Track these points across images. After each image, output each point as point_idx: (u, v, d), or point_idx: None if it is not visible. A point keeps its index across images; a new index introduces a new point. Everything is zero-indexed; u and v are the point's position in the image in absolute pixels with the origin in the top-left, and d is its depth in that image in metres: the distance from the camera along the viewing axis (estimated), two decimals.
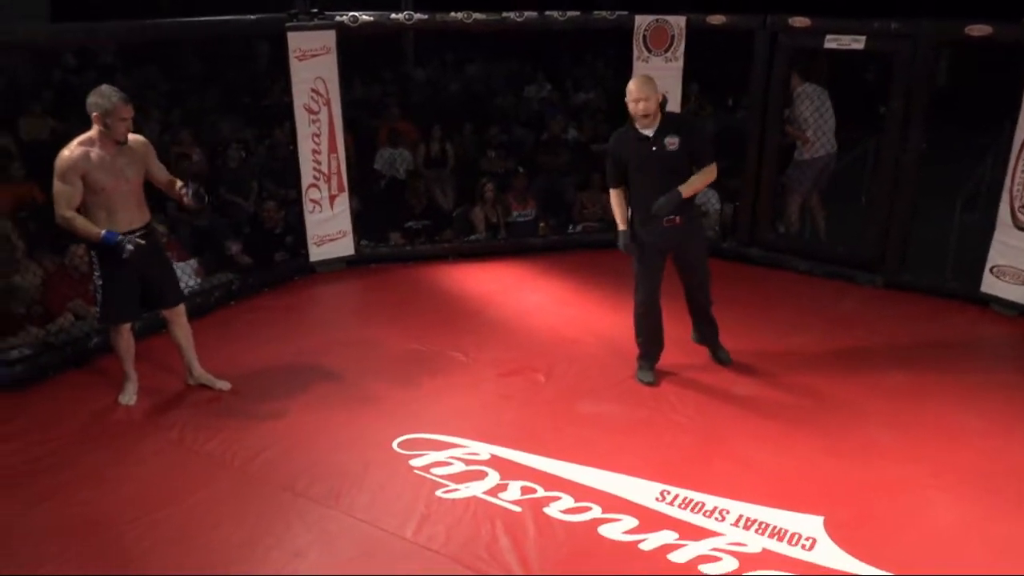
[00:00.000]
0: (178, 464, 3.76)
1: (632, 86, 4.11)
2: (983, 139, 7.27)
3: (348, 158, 6.10)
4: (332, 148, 5.90)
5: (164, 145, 6.54)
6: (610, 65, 10.05)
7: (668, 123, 4.15)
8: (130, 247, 3.76)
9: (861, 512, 3.41)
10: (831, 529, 3.29)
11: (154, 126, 7.09)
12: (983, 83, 5.64)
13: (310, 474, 3.64)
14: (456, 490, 3.54)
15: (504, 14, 6.14)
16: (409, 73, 10.88)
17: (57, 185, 3.76)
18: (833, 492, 3.54)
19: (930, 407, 4.24)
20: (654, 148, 4.13)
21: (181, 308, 4.28)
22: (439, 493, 3.52)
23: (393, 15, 6.09)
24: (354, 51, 6.49)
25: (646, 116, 4.10)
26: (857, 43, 5.61)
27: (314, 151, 5.86)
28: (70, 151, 3.76)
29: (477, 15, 6.08)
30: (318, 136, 5.84)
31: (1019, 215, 5.16)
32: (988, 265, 5.34)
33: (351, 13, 5.81)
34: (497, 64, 11.14)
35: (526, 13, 6.14)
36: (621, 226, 4.33)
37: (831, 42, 5.70)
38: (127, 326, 4.16)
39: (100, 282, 3.97)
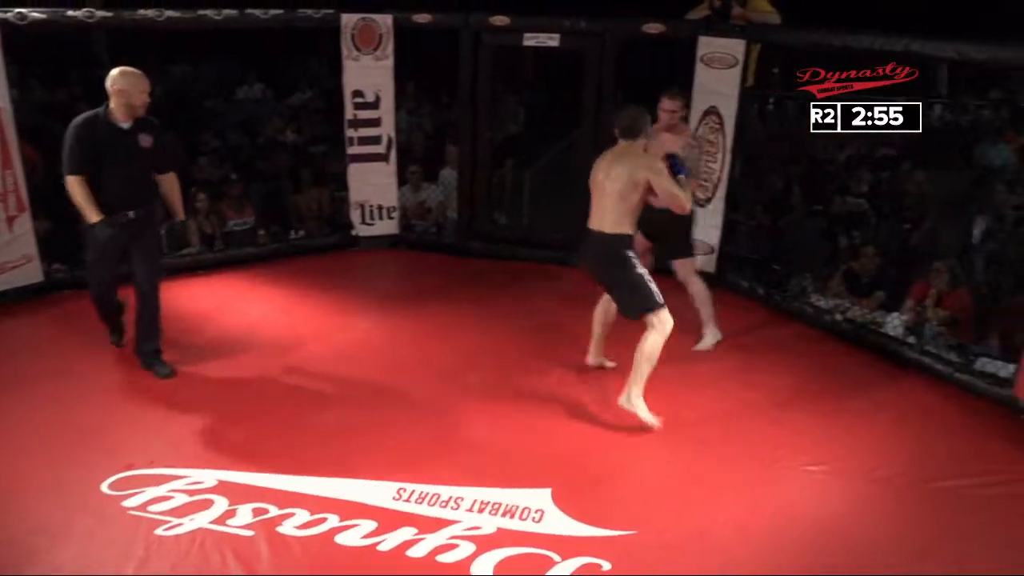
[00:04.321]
0: None
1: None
2: None
3: (32, 172, 5.45)
4: (6, 164, 5.23)
5: None
6: (324, 64, 9.87)
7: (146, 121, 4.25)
8: None
9: (584, 479, 3.67)
10: (558, 499, 3.49)
11: None
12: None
13: None
14: (179, 525, 3.30)
15: (200, 12, 5.80)
16: (103, 75, 9.92)
17: None
18: (558, 464, 3.77)
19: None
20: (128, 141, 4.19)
21: None
22: (159, 531, 3.26)
23: (71, 12, 5.49)
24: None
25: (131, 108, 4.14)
26: (553, 41, 6.00)
27: None
28: None
29: (170, 12, 5.68)
30: None
31: (697, 193, 5.78)
32: None
33: (18, 10, 5.17)
34: (205, 65, 10.51)
35: (224, 11, 5.85)
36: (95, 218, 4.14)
37: (530, 40, 6.04)
38: None
39: None
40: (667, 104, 4.70)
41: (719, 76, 5.59)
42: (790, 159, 6.63)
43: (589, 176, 4.14)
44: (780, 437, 4.02)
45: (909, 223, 5.86)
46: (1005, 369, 4.35)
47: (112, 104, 4.12)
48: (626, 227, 4.06)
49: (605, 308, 4.48)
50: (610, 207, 4.05)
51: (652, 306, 4.03)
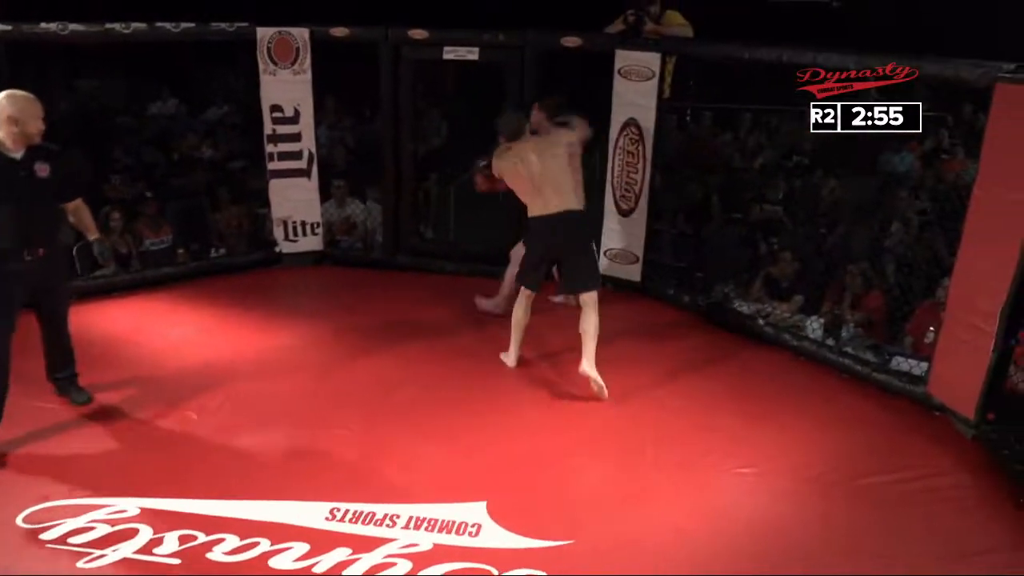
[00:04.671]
0: None
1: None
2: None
3: None
4: None
5: None
6: (241, 78, 9.67)
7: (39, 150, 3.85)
8: None
9: (519, 490, 3.66)
10: (493, 512, 3.48)
11: None
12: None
13: None
14: (102, 556, 3.16)
15: (108, 25, 5.61)
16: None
17: None
18: (492, 477, 3.76)
19: (563, 384, 4.66)
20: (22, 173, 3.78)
21: None
22: (81, 564, 3.12)
23: None
24: None
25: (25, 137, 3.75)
26: (472, 54, 6.01)
27: None
28: None
29: (75, 26, 5.48)
30: None
31: (620, 203, 5.91)
32: (603, 249, 6.03)
33: None
34: (115, 80, 10.15)
35: (134, 24, 5.67)
36: None
37: (449, 53, 6.04)
38: None
39: None
40: (534, 115, 5.03)
41: (636, 88, 5.70)
42: (708, 168, 6.81)
43: (523, 176, 4.51)
44: (710, 442, 4.10)
45: (824, 228, 6.07)
46: (919, 368, 4.55)
47: (2, 134, 3.70)
48: (583, 200, 4.65)
49: (526, 308, 4.75)
50: (565, 183, 4.51)
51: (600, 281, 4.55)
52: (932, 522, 3.55)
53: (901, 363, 4.67)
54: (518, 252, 5.01)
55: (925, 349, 4.63)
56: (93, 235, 4.20)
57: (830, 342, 4.98)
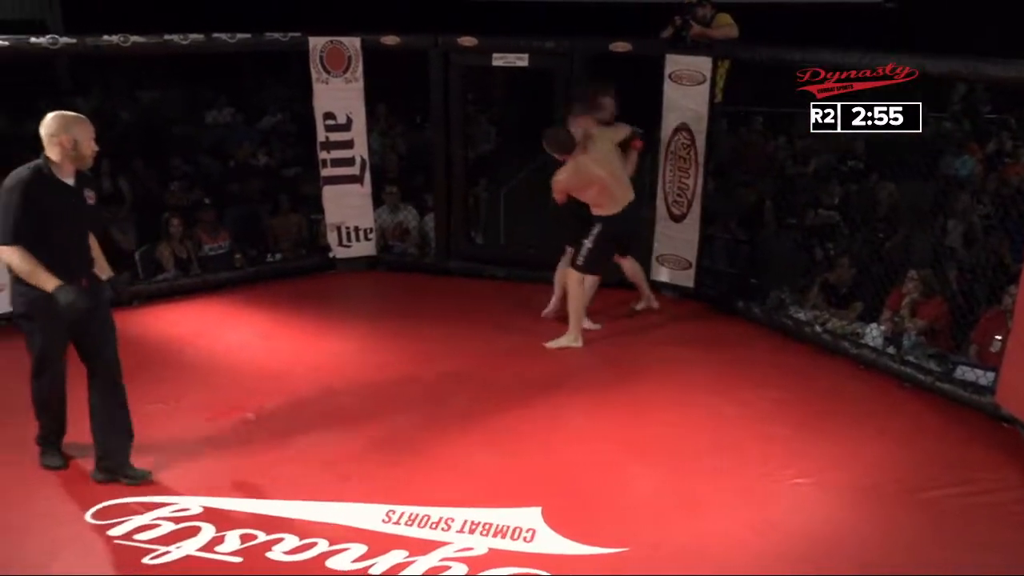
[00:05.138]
0: None
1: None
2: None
3: None
4: None
5: None
6: (294, 86, 9.85)
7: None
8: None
9: (574, 496, 3.65)
10: (548, 517, 3.47)
11: None
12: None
13: None
14: (166, 553, 3.23)
15: (167, 37, 5.76)
16: (68, 104, 9.79)
17: None
18: (547, 482, 3.75)
19: (618, 389, 4.65)
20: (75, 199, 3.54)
21: None
22: (147, 560, 3.19)
23: (34, 39, 5.44)
24: None
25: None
26: (521, 61, 6.04)
27: None
28: None
29: (136, 38, 5.64)
30: None
31: (673, 209, 5.87)
32: (655, 255, 6.00)
33: None
34: (173, 90, 10.43)
35: (191, 36, 5.81)
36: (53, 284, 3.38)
37: (498, 60, 6.07)
38: None
39: None
40: (577, 123, 5.14)
41: (688, 92, 5.66)
42: (761, 173, 6.73)
43: (595, 184, 4.96)
44: (766, 451, 4.03)
45: (882, 233, 5.95)
46: (985, 377, 4.41)
47: (56, 157, 3.42)
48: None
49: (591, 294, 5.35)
50: (624, 177, 5.09)
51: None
52: (995, 537, 3.44)
53: (966, 372, 4.53)
54: (561, 275, 5.42)
55: (991, 358, 4.49)
56: (108, 273, 3.83)
57: (891, 350, 4.87)
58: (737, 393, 4.63)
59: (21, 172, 3.40)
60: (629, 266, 5.60)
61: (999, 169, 6.99)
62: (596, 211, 5.02)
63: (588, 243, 5.05)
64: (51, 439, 3.81)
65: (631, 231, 5.26)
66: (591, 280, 5.28)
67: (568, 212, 5.15)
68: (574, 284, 5.14)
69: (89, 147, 3.48)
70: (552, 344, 5.20)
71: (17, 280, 3.45)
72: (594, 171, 4.93)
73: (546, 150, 5.06)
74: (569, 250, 5.32)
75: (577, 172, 4.93)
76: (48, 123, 3.42)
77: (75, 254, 3.56)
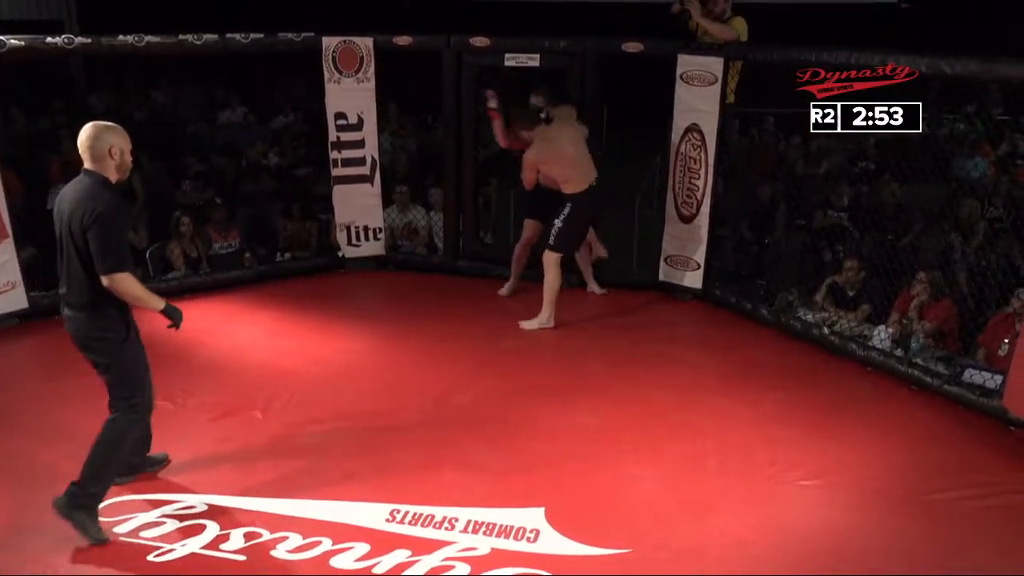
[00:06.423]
0: None
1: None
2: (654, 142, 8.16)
3: (13, 200, 5.41)
4: None
5: None
6: (306, 86, 9.89)
7: None
8: None
9: (578, 497, 3.65)
10: (552, 518, 3.48)
11: None
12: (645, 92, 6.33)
13: None
14: (171, 551, 3.26)
15: (181, 36, 5.80)
16: (83, 102, 9.86)
17: None
18: (551, 482, 3.75)
19: (625, 390, 4.65)
20: None
21: None
22: (151, 557, 3.23)
23: (50, 39, 5.48)
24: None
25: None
26: (533, 61, 6.04)
27: None
28: None
29: (150, 38, 5.68)
30: None
31: (682, 209, 5.85)
32: (663, 255, 5.99)
33: None
34: (186, 89, 10.49)
35: (205, 36, 5.85)
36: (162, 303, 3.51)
37: (510, 60, 6.07)
38: None
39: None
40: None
41: (699, 93, 5.64)
42: (772, 174, 6.70)
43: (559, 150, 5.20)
44: (773, 452, 4.02)
45: (891, 235, 5.92)
46: (992, 381, 4.38)
47: (107, 171, 3.26)
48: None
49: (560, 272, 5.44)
50: (589, 159, 5.32)
51: None
52: (1002, 541, 3.42)
53: (974, 375, 4.50)
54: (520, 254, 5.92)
55: (999, 362, 4.46)
56: None
57: (898, 353, 4.84)
58: (744, 394, 4.62)
59: (104, 195, 3.20)
60: (584, 250, 5.84)
61: (1011, 171, 6.93)
62: (565, 188, 5.28)
63: (559, 223, 5.31)
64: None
65: (598, 212, 5.53)
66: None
67: (537, 192, 5.48)
68: (551, 265, 5.35)
69: (130, 156, 3.35)
70: (526, 325, 5.42)
71: (97, 315, 3.39)
72: (559, 144, 5.21)
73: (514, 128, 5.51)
74: (529, 223, 5.79)
75: (544, 141, 5.22)
76: (94, 135, 3.22)
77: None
